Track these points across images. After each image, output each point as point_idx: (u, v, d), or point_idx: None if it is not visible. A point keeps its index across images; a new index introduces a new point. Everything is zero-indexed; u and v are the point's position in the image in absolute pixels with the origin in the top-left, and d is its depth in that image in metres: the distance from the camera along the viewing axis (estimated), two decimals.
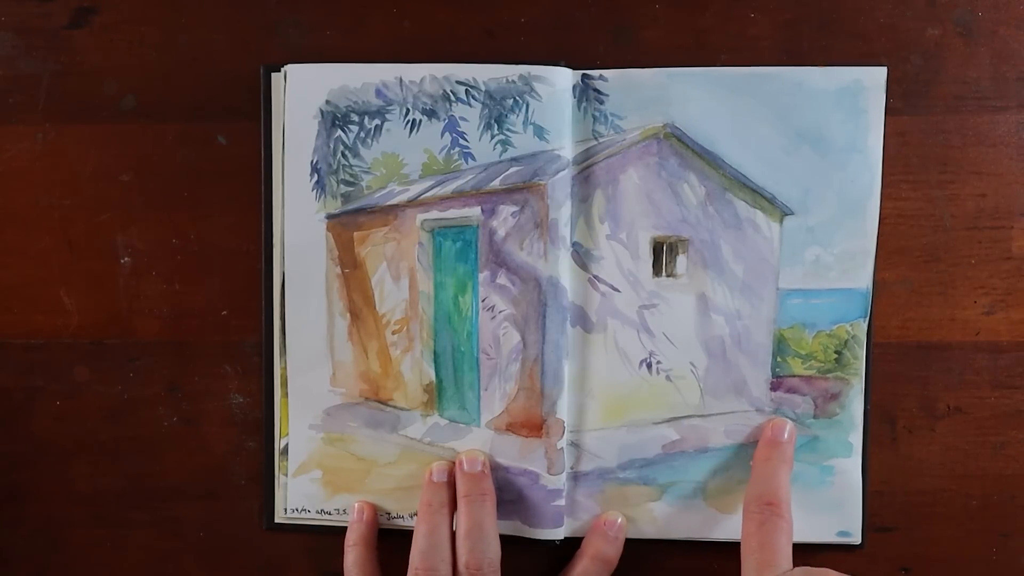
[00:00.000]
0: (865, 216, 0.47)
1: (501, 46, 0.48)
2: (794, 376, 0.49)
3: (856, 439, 0.48)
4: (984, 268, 0.48)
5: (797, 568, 0.43)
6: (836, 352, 0.48)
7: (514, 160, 0.48)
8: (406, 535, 0.49)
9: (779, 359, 0.49)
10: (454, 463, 0.48)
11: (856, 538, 0.49)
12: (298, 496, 0.50)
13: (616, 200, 0.48)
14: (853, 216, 0.47)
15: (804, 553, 0.48)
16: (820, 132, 0.47)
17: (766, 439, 0.48)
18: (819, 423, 0.49)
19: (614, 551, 0.48)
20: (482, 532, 0.46)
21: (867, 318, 0.48)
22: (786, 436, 0.47)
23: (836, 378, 0.48)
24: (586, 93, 0.48)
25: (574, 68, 0.48)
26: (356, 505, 0.49)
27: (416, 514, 0.49)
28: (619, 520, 0.48)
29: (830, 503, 0.48)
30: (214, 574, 0.51)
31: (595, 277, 0.48)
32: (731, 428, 0.49)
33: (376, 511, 0.49)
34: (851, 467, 0.48)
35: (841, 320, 0.48)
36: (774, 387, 0.49)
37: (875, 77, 0.47)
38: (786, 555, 0.44)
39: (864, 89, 0.47)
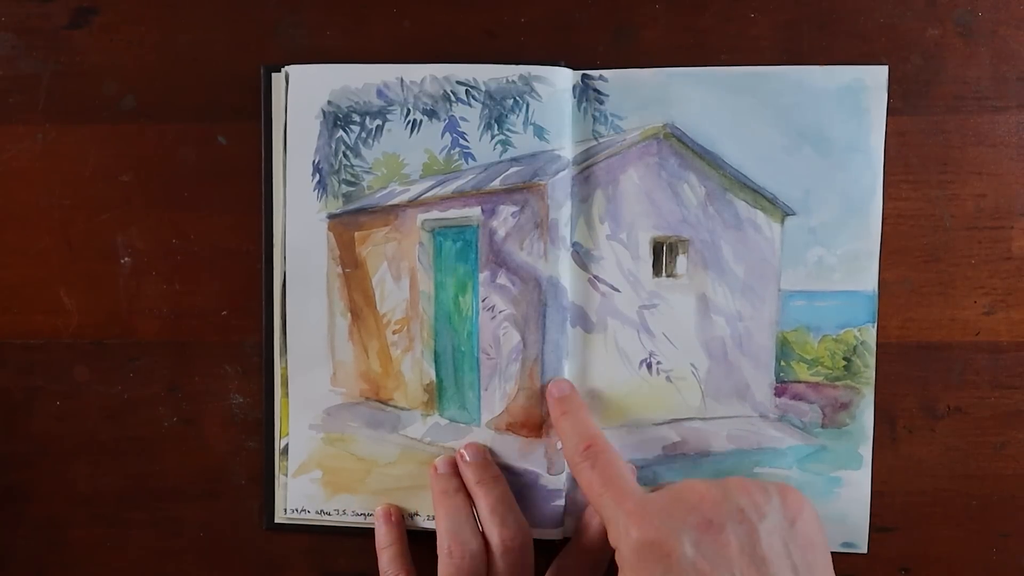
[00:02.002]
0: (868, 216, 0.47)
1: (501, 46, 0.48)
2: (800, 382, 0.48)
3: (866, 451, 0.48)
4: (984, 268, 0.48)
5: (664, 488, 0.41)
6: (845, 359, 0.48)
7: (514, 160, 0.48)
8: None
9: (783, 363, 0.48)
10: (455, 459, 0.48)
11: (862, 548, 0.48)
12: (298, 496, 0.50)
13: (616, 200, 0.48)
14: (856, 216, 0.47)
15: None
16: (821, 132, 0.47)
17: (553, 398, 0.47)
18: (827, 433, 0.48)
19: None
20: (508, 506, 0.46)
21: (876, 323, 0.48)
22: (568, 389, 0.47)
23: (846, 386, 0.48)
24: (586, 93, 0.48)
25: (574, 68, 0.48)
26: (381, 509, 0.49)
27: (416, 514, 0.49)
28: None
29: (835, 514, 0.48)
30: (214, 574, 0.51)
31: (595, 277, 0.48)
32: (734, 433, 0.49)
33: (403, 512, 0.49)
34: (860, 479, 0.48)
35: (848, 324, 0.48)
36: (778, 392, 0.48)
37: (876, 76, 0.47)
38: (632, 481, 0.42)
39: (866, 88, 0.47)
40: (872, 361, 0.48)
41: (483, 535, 0.46)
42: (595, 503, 0.42)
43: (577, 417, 0.46)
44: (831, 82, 0.47)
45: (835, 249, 0.47)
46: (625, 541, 0.40)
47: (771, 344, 0.48)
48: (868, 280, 0.48)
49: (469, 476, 0.47)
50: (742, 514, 0.39)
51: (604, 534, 0.43)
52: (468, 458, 0.48)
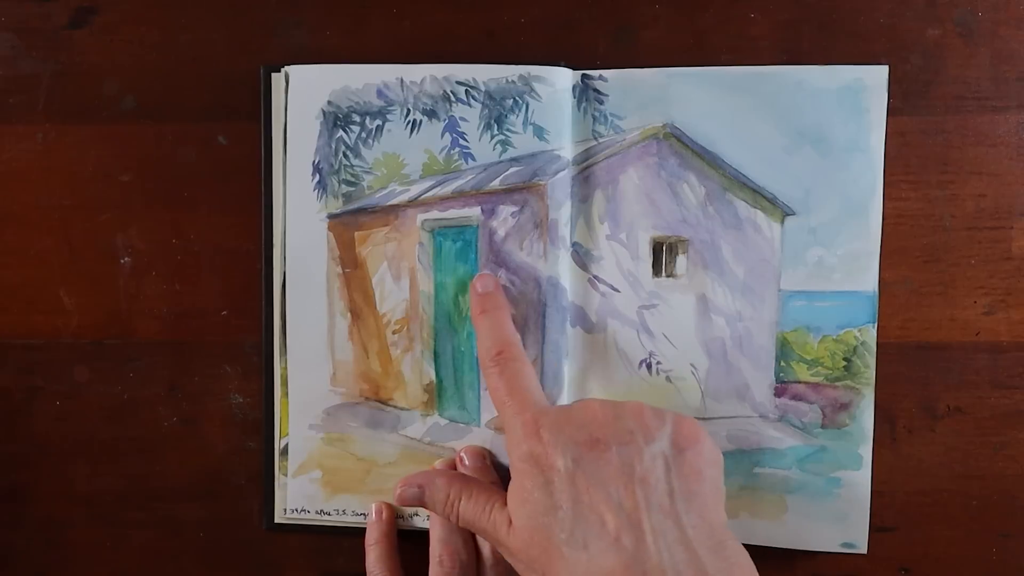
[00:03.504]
0: (868, 216, 0.47)
1: (501, 46, 0.48)
2: (800, 382, 0.48)
3: (866, 451, 0.48)
4: (984, 268, 0.48)
5: (566, 404, 0.42)
6: (845, 359, 0.48)
7: (514, 160, 0.48)
8: (405, 536, 0.49)
9: (783, 363, 0.48)
10: (454, 462, 0.48)
11: (862, 548, 0.48)
12: (298, 496, 0.50)
13: (616, 200, 0.48)
14: (856, 216, 0.47)
15: (800, 554, 0.48)
16: (821, 131, 0.47)
17: (476, 294, 0.46)
18: (827, 433, 0.48)
19: None
20: None
21: (876, 324, 0.48)
22: (492, 286, 0.47)
23: (846, 387, 0.48)
24: (586, 93, 0.48)
25: (574, 68, 0.48)
26: (374, 506, 0.49)
27: (416, 514, 0.49)
28: None
29: (835, 515, 0.48)
30: (214, 574, 0.51)
31: (595, 277, 0.48)
32: (734, 433, 0.49)
33: (394, 511, 0.49)
34: (860, 480, 0.48)
35: (848, 325, 0.48)
36: (779, 393, 0.48)
37: (877, 76, 0.47)
38: (536, 392, 0.43)
39: (866, 88, 0.47)
40: (872, 362, 0.48)
41: (475, 544, 0.47)
42: (497, 409, 0.43)
43: (496, 318, 0.45)
44: (831, 82, 0.47)
45: (835, 249, 0.47)
46: (516, 450, 0.41)
47: (771, 344, 0.48)
48: (868, 280, 0.47)
49: None
50: (630, 435, 0.40)
51: None
52: (467, 463, 0.48)
